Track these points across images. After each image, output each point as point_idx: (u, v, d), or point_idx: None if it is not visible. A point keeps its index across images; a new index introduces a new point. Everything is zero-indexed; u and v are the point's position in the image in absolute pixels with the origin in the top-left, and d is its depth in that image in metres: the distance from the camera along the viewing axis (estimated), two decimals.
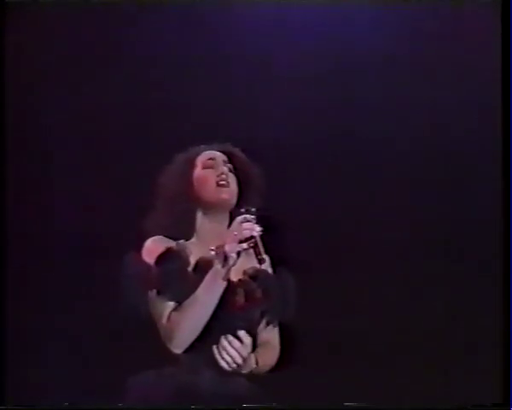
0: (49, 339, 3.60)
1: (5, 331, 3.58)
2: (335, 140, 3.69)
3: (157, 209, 3.05)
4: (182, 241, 3.00)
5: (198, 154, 3.10)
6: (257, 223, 2.85)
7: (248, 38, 3.70)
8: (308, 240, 3.62)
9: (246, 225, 2.85)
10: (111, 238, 3.53)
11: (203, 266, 2.92)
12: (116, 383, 2.94)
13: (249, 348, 2.87)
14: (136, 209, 3.12)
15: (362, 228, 3.66)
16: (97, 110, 3.68)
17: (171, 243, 2.96)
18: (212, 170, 3.04)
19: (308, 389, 3.45)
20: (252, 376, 2.92)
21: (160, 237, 2.98)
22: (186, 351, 2.86)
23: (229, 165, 3.08)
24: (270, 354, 3.05)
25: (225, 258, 2.85)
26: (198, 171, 3.06)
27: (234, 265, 2.87)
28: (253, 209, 2.88)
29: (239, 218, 2.87)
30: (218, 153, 3.10)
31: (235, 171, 3.08)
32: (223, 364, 2.85)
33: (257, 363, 2.92)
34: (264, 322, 3.02)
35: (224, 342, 2.84)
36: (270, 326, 3.04)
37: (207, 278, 2.87)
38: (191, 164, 3.07)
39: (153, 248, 2.94)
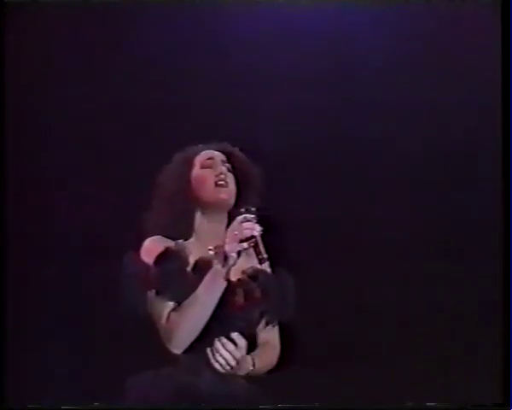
0: (49, 339, 3.59)
1: (5, 331, 3.57)
2: (335, 140, 3.69)
3: (155, 209, 3.04)
4: (180, 241, 3.00)
5: (196, 153, 3.09)
6: (257, 222, 2.85)
7: (248, 38, 3.70)
8: (307, 240, 3.62)
9: (246, 224, 2.84)
10: (111, 238, 3.53)
11: (202, 266, 2.91)
12: (115, 384, 2.93)
13: (243, 351, 2.86)
14: (136, 209, 3.11)
15: (361, 228, 3.66)
16: (97, 110, 3.68)
17: (170, 243, 2.96)
18: (210, 170, 3.03)
19: (308, 389, 3.45)
20: (251, 376, 2.91)
21: (159, 236, 2.98)
22: (185, 351, 2.86)
23: (227, 164, 3.07)
24: (269, 355, 3.04)
25: (225, 258, 2.85)
26: (196, 170, 3.05)
27: (234, 264, 2.87)
28: (253, 209, 2.88)
29: (239, 217, 2.87)
30: (217, 152, 3.09)
31: (234, 170, 3.06)
32: (216, 366, 2.84)
33: (254, 365, 2.91)
34: (263, 322, 3.01)
35: (217, 344, 2.83)
36: (270, 326, 3.03)
37: (207, 277, 2.86)
38: (189, 163, 3.06)
39: (151, 248, 2.93)
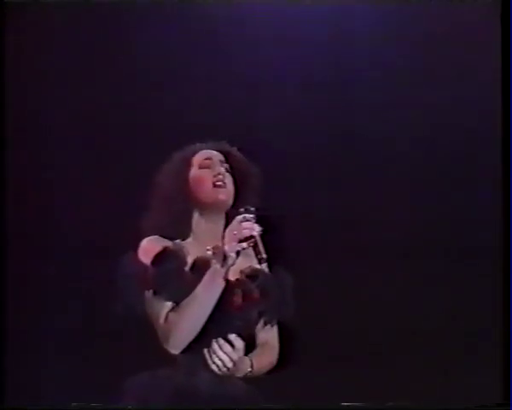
0: (49, 339, 3.60)
1: (5, 331, 3.58)
2: (334, 139, 3.69)
3: (153, 209, 3.02)
4: (178, 241, 2.99)
5: (194, 153, 3.07)
6: (256, 222, 2.85)
7: (247, 38, 3.70)
8: (306, 239, 3.62)
9: (245, 224, 2.84)
10: (111, 238, 3.53)
11: (200, 266, 2.90)
12: (113, 384, 2.93)
13: (241, 352, 2.84)
14: (136, 209, 3.11)
15: (361, 228, 3.66)
16: (97, 110, 3.69)
17: (168, 243, 2.94)
18: (208, 170, 3.02)
19: (307, 389, 3.45)
20: (250, 377, 2.90)
21: (156, 236, 2.96)
22: (183, 352, 2.84)
23: (225, 165, 3.05)
24: (268, 355, 3.02)
25: (224, 257, 2.85)
26: (194, 171, 3.04)
27: (233, 264, 2.87)
28: (252, 209, 2.88)
29: (238, 217, 2.86)
30: (215, 152, 3.07)
31: (232, 170, 3.05)
32: (213, 368, 2.82)
33: (252, 366, 2.89)
34: (261, 322, 3.00)
35: (214, 345, 2.82)
36: (269, 326, 3.02)
37: (206, 277, 2.86)
38: (187, 163, 3.05)
39: (149, 247, 2.92)
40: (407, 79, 3.72)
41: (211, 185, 2.99)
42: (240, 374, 2.87)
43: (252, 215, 2.85)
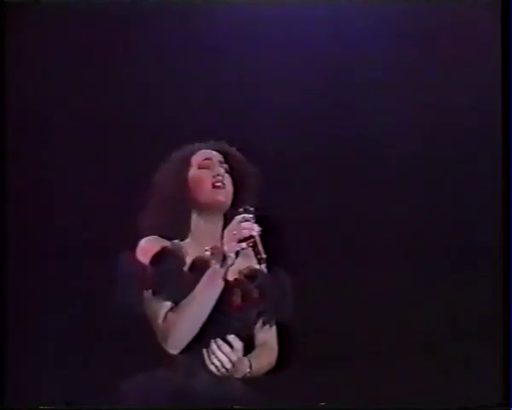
0: (49, 339, 3.59)
1: (5, 331, 3.57)
2: (334, 139, 3.68)
3: (152, 209, 3.03)
4: (177, 241, 2.99)
5: (193, 152, 3.08)
6: (255, 222, 2.85)
7: (247, 38, 3.70)
8: (305, 239, 3.61)
9: (245, 224, 2.84)
10: (111, 238, 3.52)
11: (199, 266, 2.91)
12: (112, 385, 2.92)
13: (240, 353, 2.85)
14: (137, 209, 3.11)
15: (360, 227, 3.66)
16: (97, 110, 3.68)
17: (166, 243, 2.95)
18: (208, 170, 3.02)
19: (306, 390, 3.44)
20: (249, 377, 2.90)
21: (155, 236, 2.97)
22: (182, 352, 2.85)
23: (224, 165, 3.06)
24: (267, 356, 3.03)
25: (224, 258, 2.85)
26: (193, 171, 3.04)
27: (232, 264, 2.87)
28: (252, 209, 2.88)
29: (238, 217, 2.86)
30: (214, 152, 3.08)
31: (231, 171, 3.06)
32: (212, 368, 2.83)
33: (251, 367, 2.90)
34: (260, 322, 3.00)
35: (213, 346, 2.82)
36: (267, 327, 3.02)
37: (205, 277, 2.86)
38: (186, 163, 3.06)
39: (147, 247, 2.92)
40: (407, 78, 3.72)
41: (210, 186, 2.99)
42: (238, 375, 2.87)
43: (251, 215, 2.86)
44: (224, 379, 2.84)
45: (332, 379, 3.48)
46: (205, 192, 2.99)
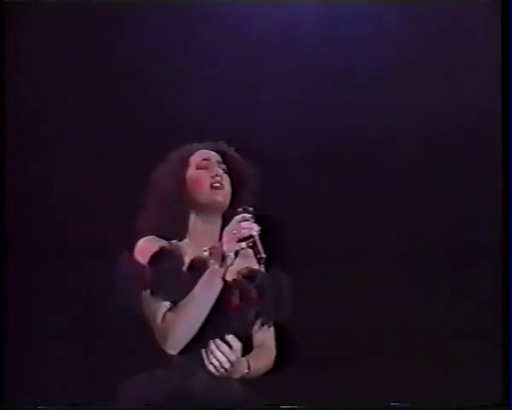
0: (49, 339, 3.59)
1: (5, 331, 3.57)
2: (333, 139, 3.69)
3: (150, 209, 3.02)
4: (175, 241, 2.99)
5: (191, 152, 3.07)
6: (255, 222, 2.85)
7: (246, 38, 3.70)
8: (303, 240, 3.61)
9: (244, 224, 2.83)
10: (111, 238, 3.52)
11: (198, 266, 2.89)
12: (111, 385, 2.92)
13: (238, 353, 2.83)
14: (136, 209, 3.11)
15: (359, 228, 3.66)
16: (96, 110, 3.69)
17: (164, 243, 2.94)
18: (206, 171, 3.01)
19: (304, 390, 3.44)
20: (247, 378, 2.89)
21: (153, 236, 2.96)
22: (181, 352, 2.83)
23: (223, 165, 3.05)
24: (265, 357, 3.01)
25: (223, 257, 2.84)
26: (192, 171, 3.03)
27: (232, 264, 2.86)
28: (251, 209, 2.87)
29: (237, 217, 2.85)
30: (213, 153, 3.06)
31: (229, 171, 3.05)
32: (211, 368, 2.81)
33: (249, 368, 2.88)
34: (258, 323, 2.98)
35: (211, 346, 2.80)
36: (266, 327, 3.00)
37: (204, 277, 2.85)
38: (184, 163, 3.04)
39: (146, 247, 2.90)
40: (407, 79, 3.72)
41: (208, 186, 2.98)
42: (237, 375, 2.85)
43: (250, 215, 2.85)
44: (223, 380, 2.83)
45: (330, 380, 3.49)
46: (203, 192, 2.98)
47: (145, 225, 2.99)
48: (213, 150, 3.08)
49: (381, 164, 3.70)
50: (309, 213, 3.63)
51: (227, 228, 2.87)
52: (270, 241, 2.87)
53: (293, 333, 3.26)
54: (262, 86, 3.69)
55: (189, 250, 2.95)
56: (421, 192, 3.70)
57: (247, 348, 2.92)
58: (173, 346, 2.83)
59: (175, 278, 2.88)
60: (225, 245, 2.84)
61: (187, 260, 2.92)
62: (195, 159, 3.05)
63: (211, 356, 2.81)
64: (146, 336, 2.89)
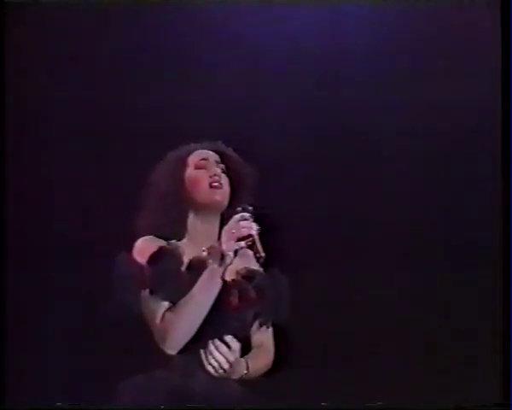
0: (49, 339, 3.59)
1: (5, 331, 3.57)
2: (333, 139, 3.68)
3: (148, 209, 3.02)
4: (174, 241, 2.98)
5: (189, 153, 3.07)
6: (254, 221, 2.85)
7: (245, 37, 3.70)
8: (302, 240, 3.61)
9: (243, 223, 2.83)
10: (111, 238, 3.52)
11: (197, 266, 2.89)
12: (111, 385, 2.92)
13: (237, 354, 2.82)
14: (136, 209, 3.11)
15: (359, 227, 3.65)
16: (96, 110, 3.69)
17: (163, 243, 2.94)
18: (204, 171, 3.01)
19: (303, 391, 3.44)
20: (245, 379, 2.89)
21: (151, 236, 2.96)
22: (179, 352, 2.83)
23: (221, 165, 3.05)
24: (263, 358, 3.01)
25: (222, 256, 2.84)
26: (190, 171, 3.03)
27: (231, 264, 2.86)
28: (250, 208, 2.87)
29: (236, 216, 2.86)
30: (211, 153, 3.07)
31: (228, 171, 3.05)
32: (209, 369, 2.80)
33: (248, 368, 2.88)
34: (257, 323, 2.98)
35: (210, 346, 2.80)
36: (264, 328, 3.01)
37: (204, 276, 2.85)
38: (183, 163, 3.05)
39: (144, 247, 2.91)
40: (407, 79, 3.72)
41: (207, 186, 2.98)
42: (235, 376, 2.85)
43: (249, 214, 2.85)
44: (222, 380, 2.82)
45: (329, 380, 3.49)
46: (202, 192, 2.98)
47: (144, 225, 3.00)
48: (211, 150, 3.08)
49: (380, 164, 3.69)
50: (308, 214, 3.62)
51: (226, 227, 2.88)
52: (269, 241, 2.87)
53: (292, 334, 3.26)
54: (261, 86, 3.68)
55: (188, 250, 2.96)
56: (421, 192, 3.69)
57: (246, 349, 2.92)
58: (172, 346, 2.83)
59: (174, 278, 2.88)
60: (224, 244, 2.84)
61: (186, 259, 2.93)
62: (194, 159, 3.05)
63: (209, 357, 2.81)
64: (145, 336, 2.89)
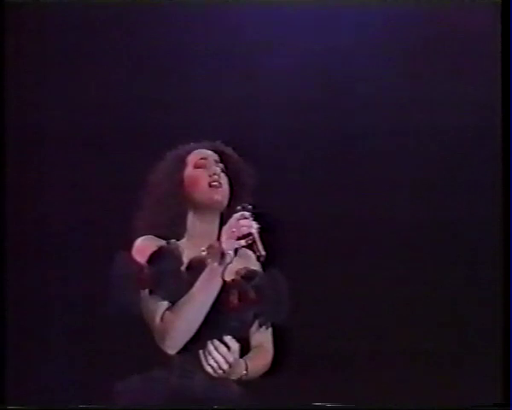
0: (49, 339, 3.60)
1: (5, 331, 3.58)
2: (332, 139, 3.69)
3: (147, 208, 3.02)
4: (173, 240, 2.98)
5: (188, 152, 3.06)
6: (254, 220, 2.84)
7: (244, 37, 3.71)
8: (302, 240, 3.61)
9: (243, 221, 2.82)
10: (110, 238, 3.52)
11: (196, 266, 2.88)
12: (110, 385, 2.92)
13: (236, 354, 2.80)
14: (136, 209, 3.11)
15: (358, 227, 3.65)
16: (96, 110, 3.69)
17: (162, 243, 2.93)
18: (203, 170, 3.00)
19: (302, 391, 3.44)
20: (244, 380, 2.88)
21: (151, 236, 2.95)
22: (179, 352, 2.82)
23: (220, 165, 3.04)
24: (262, 358, 2.99)
25: (222, 255, 2.84)
26: (189, 170, 3.02)
27: (231, 262, 2.86)
28: (250, 206, 2.87)
29: (236, 215, 2.85)
30: (210, 152, 3.06)
31: (227, 170, 3.04)
32: (208, 369, 2.79)
33: (247, 369, 2.87)
34: (256, 324, 2.97)
35: (210, 347, 2.78)
36: (263, 328, 2.99)
37: (203, 276, 2.84)
38: (182, 162, 3.04)
39: (144, 247, 2.90)
40: (407, 78, 3.72)
41: (206, 185, 2.97)
42: (234, 376, 2.84)
43: (249, 213, 2.85)
44: (221, 381, 2.82)
45: (329, 381, 3.49)
46: (201, 191, 2.97)
47: (143, 224, 2.99)
48: (211, 150, 3.08)
49: (380, 163, 3.70)
50: (307, 214, 3.63)
51: (226, 226, 2.87)
52: (269, 241, 2.86)
53: (291, 334, 3.26)
54: (260, 86, 3.69)
55: (188, 250, 2.95)
56: (421, 192, 3.70)
57: (245, 349, 2.92)
58: (172, 345, 2.82)
59: (173, 278, 2.87)
60: (224, 243, 2.84)
61: (185, 259, 2.92)
62: (193, 158, 3.05)
63: (209, 357, 2.79)
64: (144, 335, 2.89)
